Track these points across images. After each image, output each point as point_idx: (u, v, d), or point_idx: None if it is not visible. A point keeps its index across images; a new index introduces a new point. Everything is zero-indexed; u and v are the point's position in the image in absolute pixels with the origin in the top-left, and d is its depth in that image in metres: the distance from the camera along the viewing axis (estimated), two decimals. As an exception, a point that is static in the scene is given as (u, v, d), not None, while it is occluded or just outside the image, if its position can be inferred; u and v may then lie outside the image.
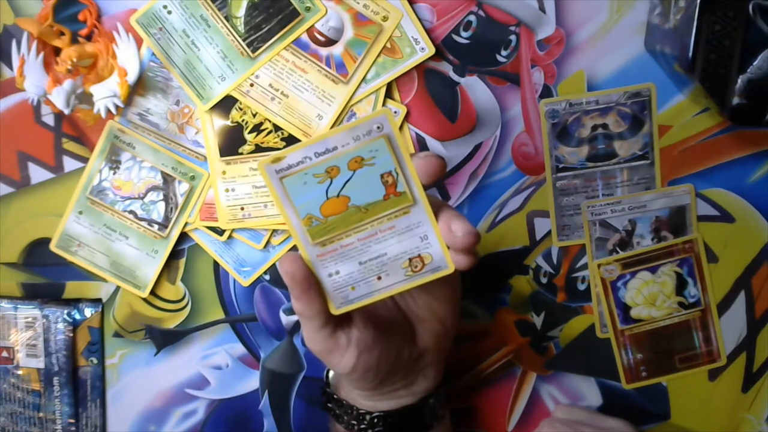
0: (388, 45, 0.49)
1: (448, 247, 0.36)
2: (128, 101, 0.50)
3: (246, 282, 0.53)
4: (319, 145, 0.33)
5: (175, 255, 0.53)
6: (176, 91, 0.51)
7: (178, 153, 0.51)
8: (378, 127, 0.33)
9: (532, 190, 0.52)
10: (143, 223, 0.52)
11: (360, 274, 0.36)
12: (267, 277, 0.53)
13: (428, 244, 0.36)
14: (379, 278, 0.36)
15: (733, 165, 0.52)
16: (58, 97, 0.46)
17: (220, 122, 0.51)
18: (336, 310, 0.37)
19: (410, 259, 0.36)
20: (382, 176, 0.34)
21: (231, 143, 0.51)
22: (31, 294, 0.54)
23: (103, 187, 0.52)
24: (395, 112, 0.50)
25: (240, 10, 0.49)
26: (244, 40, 0.50)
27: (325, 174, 0.34)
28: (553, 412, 0.54)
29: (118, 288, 0.54)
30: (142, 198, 0.52)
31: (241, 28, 0.49)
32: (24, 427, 0.54)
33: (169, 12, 0.50)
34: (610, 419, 0.51)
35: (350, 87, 0.50)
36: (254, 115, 0.51)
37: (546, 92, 0.51)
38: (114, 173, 0.52)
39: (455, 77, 0.51)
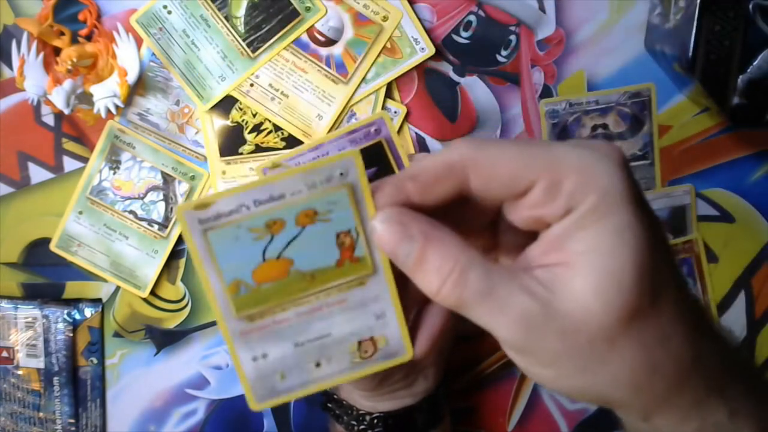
0: (388, 45, 0.49)
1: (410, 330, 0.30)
2: (128, 101, 0.50)
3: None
4: (261, 191, 0.26)
5: (175, 255, 0.53)
6: (176, 91, 0.51)
7: (178, 153, 0.51)
8: (341, 174, 0.27)
9: (532, 190, 0.52)
10: (143, 223, 0.52)
11: (294, 358, 0.29)
12: (267, 277, 0.53)
13: (384, 323, 0.29)
14: (318, 365, 0.29)
15: (733, 165, 0.52)
16: (58, 97, 0.46)
17: (220, 122, 0.51)
18: (256, 405, 0.30)
19: (360, 342, 0.29)
20: (338, 236, 0.27)
21: (231, 143, 0.51)
22: (31, 294, 0.54)
23: (103, 187, 0.52)
24: (395, 113, 0.50)
25: (240, 10, 0.49)
26: (244, 40, 0.50)
27: (265, 229, 0.27)
28: None
29: (118, 288, 0.54)
30: (142, 198, 0.52)
31: (241, 28, 0.49)
32: (24, 427, 0.54)
33: (169, 12, 0.50)
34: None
35: (350, 87, 0.50)
36: (254, 115, 0.51)
37: (546, 92, 0.51)
38: (114, 173, 0.52)
39: (455, 77, 0.51)
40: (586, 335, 0.25)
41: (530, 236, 0.27)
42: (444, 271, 0.25)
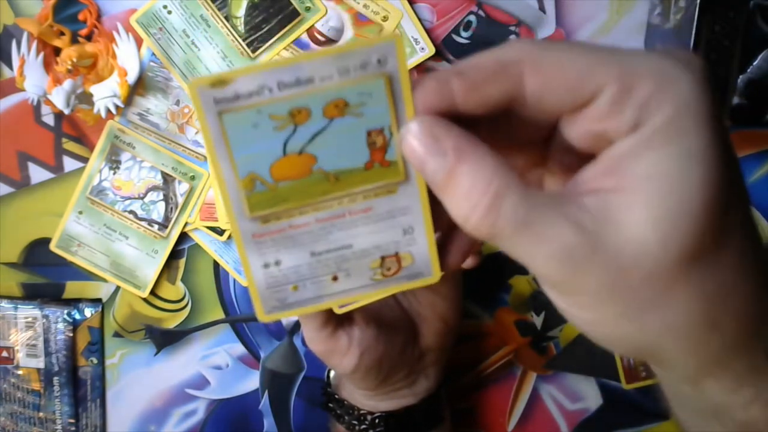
0: (389, 45, 0.49)
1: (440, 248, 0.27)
2: (128, 101, 0.50)
3: (246, 282, 0.53)
4: (287, 72, 0.23)
5: (175, 255, 0.53)
6: (176, 91, 0.51)
7: (178, 153, 0.51)
8: (379, 61, 0.23)
9: (532, 190, 0.52)
10: (143, 223, 0.52)
11: (309, 269, 0.27)
12: (267, 277, 0.53)
13: (412, 239, 0.26)
14: (335, 278, 0.27)
15: (733, 165, 0.52)
16: (58, 97, 0.46)
17: (220, 122, 0.51)
18: (264, 317, 0.28)
19: (383, 258, 0.27)
20: (369, 134, 0.24)
21: (231, 143, 0.51)
22: (31, 294, 0.54)
23: (103, 187, 0.52)
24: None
25: (240, 10, 0.49)
26: (244, 40, 0.50)
27: (288, 117, 0.24)
28: None
29: (118, 288, 0.53)
30: (142, 198, 0.52)
31: (241, 28, 0.49)
32: (24, 427, 0.54)
33: (169, 12, 0.50)
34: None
35: (350, 87, 0.50)
36: (254, 115, 0.51)
37: (546, 92, 0.51)
38: (114, 173, 0.52)
39: (455, 77, 0.51)
40: (638, 274, 0.21)
41: (585, 159, 0.24)
42: (474, 195, 0.22)
